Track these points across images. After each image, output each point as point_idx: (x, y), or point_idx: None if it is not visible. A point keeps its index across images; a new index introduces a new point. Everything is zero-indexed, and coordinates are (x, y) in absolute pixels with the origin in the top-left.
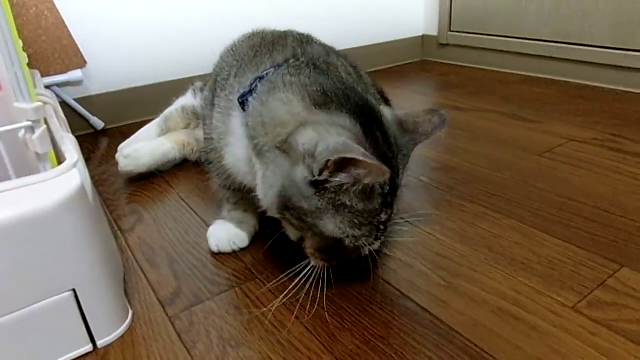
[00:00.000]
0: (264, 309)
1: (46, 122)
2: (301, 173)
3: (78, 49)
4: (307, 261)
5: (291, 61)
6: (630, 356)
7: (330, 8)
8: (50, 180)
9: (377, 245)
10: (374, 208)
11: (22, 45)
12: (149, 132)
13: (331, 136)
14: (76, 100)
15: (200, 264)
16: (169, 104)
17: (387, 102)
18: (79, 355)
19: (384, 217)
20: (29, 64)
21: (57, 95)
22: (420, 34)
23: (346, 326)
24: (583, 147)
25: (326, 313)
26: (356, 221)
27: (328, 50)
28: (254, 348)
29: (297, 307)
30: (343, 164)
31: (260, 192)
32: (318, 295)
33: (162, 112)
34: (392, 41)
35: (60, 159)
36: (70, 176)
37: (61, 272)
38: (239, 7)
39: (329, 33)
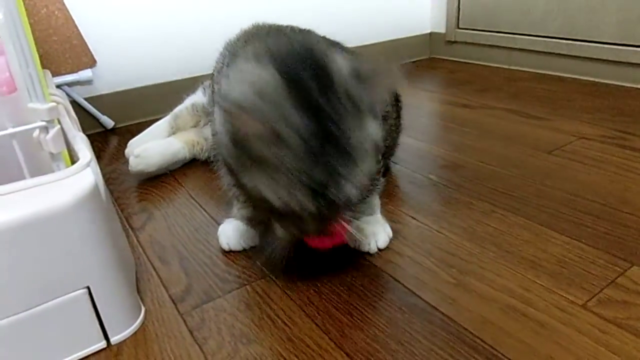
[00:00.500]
0: (274, 306)
1: (59, 122)
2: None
3: (88, 49)
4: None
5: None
6: (639, 352)
7: (337, 6)
8: (65, 179)
9: (327, 217)
10: (294, 163)
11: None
12: (159, 129)
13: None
14: (86, 99)
15: (211, 262)
16: (178, 102)
17: (398, 101)
18: (93, 351)
19: (319, 176)
20: (40, 64)
21: (67, 95)
22: (428, 32)
23: (356, 323)
24: (592, 144)
25: (336, 310)
26: (276, 178)
27: (318, 38)
28: (264, 344)
29: (307, 304)
30: (230, 115)
31: None
32: (327, 292)
33: (172, 110)
34: (400, 39)
35: (73, 158)
36: (84, 175)
37: (75, 270)
38: (246, 8)
39: (335, 31)
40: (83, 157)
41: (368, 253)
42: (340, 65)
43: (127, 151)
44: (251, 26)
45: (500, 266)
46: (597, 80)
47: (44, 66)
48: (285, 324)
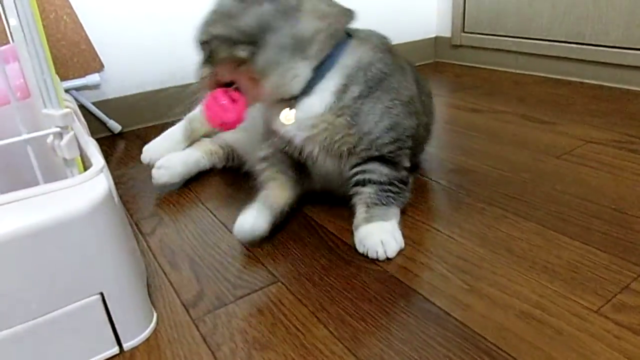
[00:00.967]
0: (287, 312)
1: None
2: None
3: (96, 53)
4: None
5: None
6: None
7: None
8: (79, 185)
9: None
10: None
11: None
12: (174, 133)
13: None
14: (93, 103)
15: (222, 267)
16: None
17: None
18: (106, 357)
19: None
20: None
21: (75, 99)
22: (433, 36)
23: (369, 329)
24: (601, 148)
25: (349, 316)
26: None
27: None
28: (278, 351)
29: (320, 310)
30: None
31: None
32: (340, 298)
33: (184, 114)
34: (405, 43)
35: (85, 164)
36: (98, 181)
37: (90, 276)
38: None
39: None
40: (96, 162)
41: (378, 260)
42: None
43: (143, 157)
44: None
45: (513, 272)
46: (603, 83)
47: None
48: (299, 330)
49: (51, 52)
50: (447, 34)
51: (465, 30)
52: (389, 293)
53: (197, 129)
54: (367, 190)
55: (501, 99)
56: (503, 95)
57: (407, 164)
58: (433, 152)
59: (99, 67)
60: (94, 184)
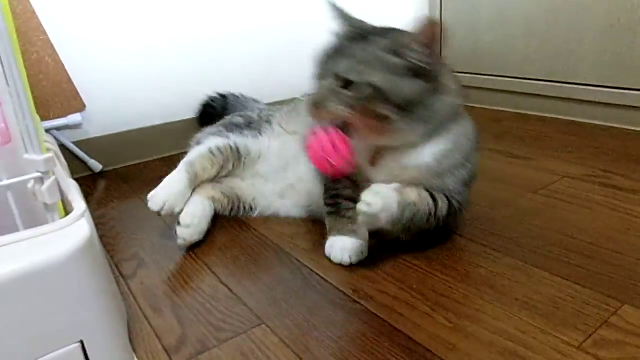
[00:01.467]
0: (271, 355)
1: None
2: None
3: (77, 93)
4: None
5: None
6: None
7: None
8: (60, 230)
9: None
10: None
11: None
12: (178, 180)
13: None
14: (74, 143)
15: (205, 310)
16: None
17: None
18: None
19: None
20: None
21: (56, 139)
22: None
23: None
24: (577, 183)
25: (334, 358)
26: None
27: None
28: None
29: (304, 352)
30: None
31: None
32: (325, 340)
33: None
34: None
35: (67, 208)
36: (79, 226)
37: (70, 324)
38: (236, 50)
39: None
40: (78, 207)
41: (360, 299)
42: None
43: (154, 204)
44: None
45: (495, 308)
46: (576, 119)
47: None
48: None
49: (32, 93)
50: None
51: None
52: (373, 333)
53: (201, 173)
54: None
55: (479, 135)
56: (481, 131)
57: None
58: None
59: (80, 106)
60: (75, 229)
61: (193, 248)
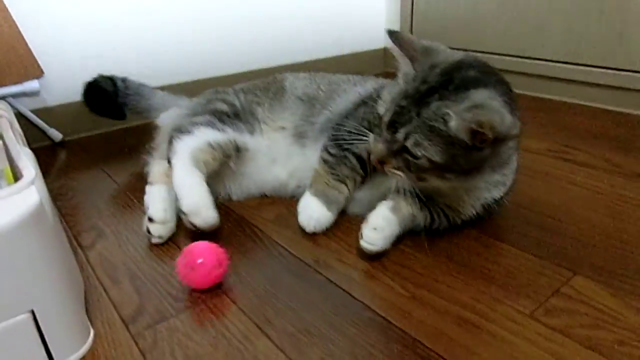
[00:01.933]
0: (230, 325)
1: (1, 137)
2: None
3: (34, 59)
4: None
5: None
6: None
7: (290, 19)
8: (7, 197)
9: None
10: None
11: None
12: (194, 177)
13: None
14: (33, 111)
15: (164, 280)
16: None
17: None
18: None
19: None
20: None
21: (12, 106)
22: (382, 47)
23: (313, 340)
24: (538, 157)
25: (292, 327)
26: None
27: None
28: None
29: (263, 322)
30: None
31: None
32: (284, 309)
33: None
34: (354, 53)
35: (16, 175)
36: (27, 193)
37: (19, 293)
38: (199, 15)
39: (290, 45)
40: (27, 174)
41: (321, 269)
42: None
43: (201, 223)
44: None
45: (452, 278)
46: (542, 95)
47: None
48: (241, 343)
49: None
50: None
51: None
52: (332, 303)
53: (203, 170)
54: None
55: None
56: None
57: None
58: None
59: (38, 73)
60: (24, 196)
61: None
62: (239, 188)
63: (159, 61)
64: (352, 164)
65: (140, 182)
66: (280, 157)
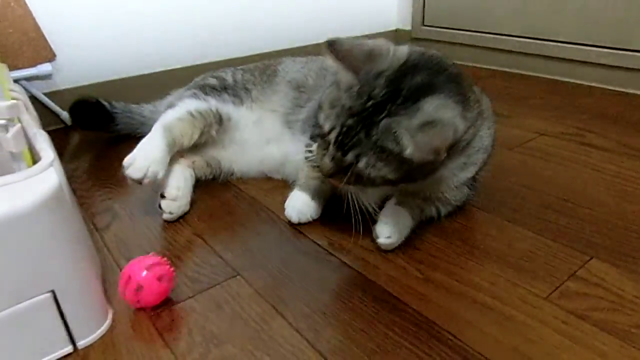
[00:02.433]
0: (246, 306)
1: (19, 120)
2: None
3: (47, 42)
4: None
5: None
6: (598, 343)
7: (301, 1)
8: (27, 179)
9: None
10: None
11: None
12: (156, 145)
13: None
14: (46, 94)
15: (180, 261)
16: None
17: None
18: (59, 356)
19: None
20: None
21: (26, 90)
22: (394, 28)
23: (328, 321)
24: (553, 141)
25: (308, 308)
26: None
27: None
28: (236, 345)
29: (279, 303)
30: None
31: None
32: (299, 291)
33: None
34: (366, 35)
35: (34, 157)
36: (47, 175)
37: (39, 274)
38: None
39: (299, 27)
40: (46, 156)
41: (335, 252)
42: None
43: (134, 172)
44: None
45: (467, 261)
46: (556, 78)
47: (0, 60)
48: (257, 324)
49: None
50: (408, 27)
51: (425, 23)
52: (347, 284)
53: (179, 138)
54: None
55: None
56: None
57: None
58: None
59: (50, 56)
60: (43, 178)
61: None
62: (237, 165)
63: (171, 44)
64: None
65: None
66: (274, 137)
